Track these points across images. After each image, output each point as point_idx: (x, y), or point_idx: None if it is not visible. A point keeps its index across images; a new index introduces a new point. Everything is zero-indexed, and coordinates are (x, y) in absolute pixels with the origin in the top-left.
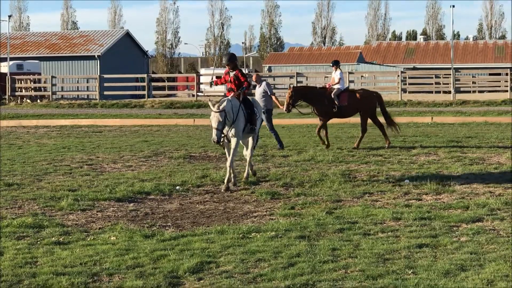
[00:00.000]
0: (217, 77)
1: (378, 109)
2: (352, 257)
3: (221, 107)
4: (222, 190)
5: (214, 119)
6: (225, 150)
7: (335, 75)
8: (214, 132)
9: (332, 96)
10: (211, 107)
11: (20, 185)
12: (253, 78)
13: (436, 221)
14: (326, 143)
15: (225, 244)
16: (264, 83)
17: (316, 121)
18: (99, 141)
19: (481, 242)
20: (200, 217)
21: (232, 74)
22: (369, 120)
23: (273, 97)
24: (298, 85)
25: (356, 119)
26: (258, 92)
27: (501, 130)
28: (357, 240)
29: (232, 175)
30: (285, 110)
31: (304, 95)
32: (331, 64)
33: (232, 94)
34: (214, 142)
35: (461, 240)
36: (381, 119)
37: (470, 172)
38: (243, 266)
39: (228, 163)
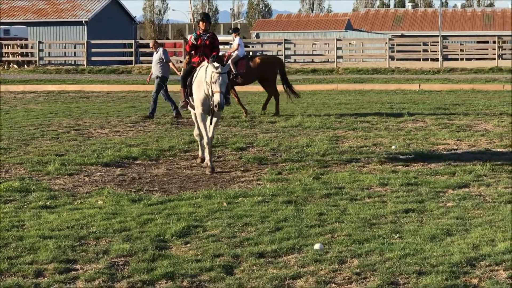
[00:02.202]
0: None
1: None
2: (338, 222)
3: (226, 67)
4: (208, 172)
5: (219, 81)
6: (199, 123)
7: (235, 42)
8: (217, 96)
9: (230, 63)
10: (213, 69)
11: (7, 150)
12: (151, 44)
13: (422, 187)
14: (244, 110)
15: (212, 208)
16: (160, 50)
17: (306, 87)
18: (86, 107)
19: (467, 208)
20: (187, 182)
21: (206, 36)
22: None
23: (170, 64)
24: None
25: (344, 86)
26: (155, 59)
27: (488, 97)
28: (343, 205)
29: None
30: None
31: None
32: (231, 31)
33: (206, 60)
34: (221, 108)
35: (447, 205)
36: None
37: (457, 139)
38: (230, 230)
39: (206, 141)
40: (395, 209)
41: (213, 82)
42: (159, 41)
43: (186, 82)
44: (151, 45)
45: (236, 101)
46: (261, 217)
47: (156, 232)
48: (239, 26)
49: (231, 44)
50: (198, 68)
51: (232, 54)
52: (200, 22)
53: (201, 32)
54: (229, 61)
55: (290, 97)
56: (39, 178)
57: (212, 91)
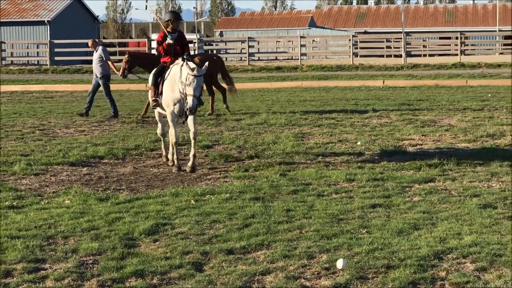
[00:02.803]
0: (158, 43)
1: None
2: (306, 218)
3: (203, 69)
4: (174, 171)
5: (194, 84)
6: (170, 122)
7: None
8: (191, 100)
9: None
10: (189, 70)
11: None
12: (89, 43)
13: (389, 182)
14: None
15: (179, 206)
16: (100, 48)
17: (270, 85)
18: (51, 107)
19: (433, 202)
20: (154, 180)
21: (174, 36)
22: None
23: (109, 63)
24: (209, 51)
25: (308, 83)
26: (95, 58)
27: (451, 93)
28: (311, 201)
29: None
30: (121, 76)
31: (140, 61)
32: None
33: (179, 59)
34: (193, 112)
35: (414, 200)
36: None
37: (422, 134)
38: (198, 228)
39: (174, 141)
40: (362, 204)
41: (187, 84)
42: (121, 40)
43: (158, 80)
44: (89, 44)
45: (147, 102)
46: (229, 214)
47: (125, 230)
48: (202, 25)
49: (194, 42)
50: (171, 66)
51: None
52: (170, 22)
53: (170, 31)
54: (206, 64)
55: (232, 93)
56: (5, 178)
57: (185, 93)
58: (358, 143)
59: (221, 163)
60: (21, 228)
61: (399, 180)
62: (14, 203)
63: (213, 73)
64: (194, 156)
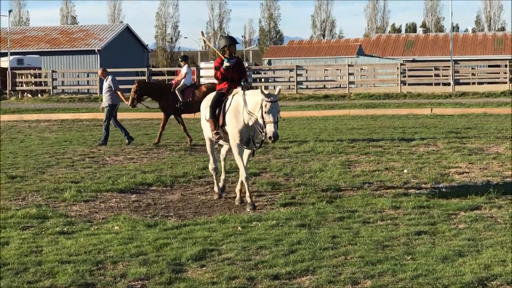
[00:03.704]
0: (216, 69)
1: None
2: (351, 244)
3: (277, 94)
4: (249, 210)
5: (273, 110)
6: (237, 155)
7: (182, 70)
8: (272, 126)
9: (176, 92)
10: (264, 97)
11: (23, 178)
12: (99, 72)
13: (434, 209)
14: (188, 137)
15: (226, 232)
16: (110, 78)
17: (318, 113)
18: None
19: (479, 229)
20: (202, 207)
21: (232, 61)
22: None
23: (118, 92)
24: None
25: (356, 111)
26: (105, 87)
27: (500, 121)
28: (356, 228)
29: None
30: (130, 105)
31: (149, 91)
32: (180, 59)
33: (238, 87)
34: (277, 139)
35: (459, 227)
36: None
37: (469, 162)
38: (244, 254)
39: (244, 175)
40: (408, 231)
41: (265, 112)
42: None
43: (216, 111)
44: (99, 73)
45: (182, 128)
46: (275, 240)
47: (172, 256)
48: (250, 53)
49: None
50: (230, 97)
51: (178, 82)
52: (227, 47)
53: (227, 57)
54: (176, 90)
55: None
56: (56, 205)
57: (263, 122)
58: (405, 171)
59: (268, 190)
60: (71, 253)
61: (444, 207)
62: (65, 229)
63: None
64: (250, 193)
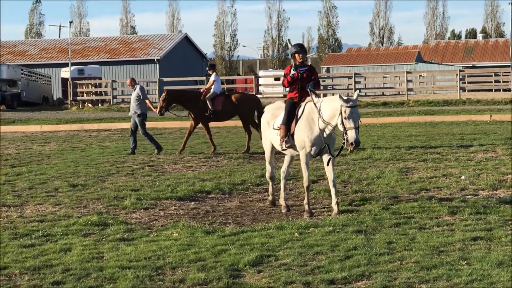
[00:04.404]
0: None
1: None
2: (407, 250)
3: (356, 98)
4: (306, 217)
5: (353, 115)
6: (304, 165)
7: (211, 78)
8: (353, 132)
9: (206, 100)
10: (343, 102)
11: (84, 186)
12: (128, 82)
13: (491, 215)
14: (212, 146)
15: (284, 239)
16: (138, 87)
17: (377, 120)
18: (160, 143)
19: None
20: (260, 214)
21: (303, 69)
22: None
23: (147, 101)
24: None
25: (414, 118)
26: (133, 96)
27: None
28: (412, 234)
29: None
30: (158, 113)
31: (178, 99)
32: (207, 68)
33: (312, 95)
34: (358, 145)
35: None
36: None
37: None
38: (301, 259)
39: (307, 184)
40: (464, 237)
41: (345, 118)
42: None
43: (290, 119)
44: (128, 82)
45: (208, 137)
46: (331, 246)
47: (230, 261)
48: (309, 61)
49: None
50: (302, 104)
51: (208, 90)
52: (296, 55)
53: (297, 64)
54: (206, 98)
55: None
56: (116, 212)
57: (344, 128)
58: (462, 177)
59: (326, 197)
60: (131, 259)
61: (501, 213)
62: (125, 235)
63: (249, 112)
64: (337, 203)
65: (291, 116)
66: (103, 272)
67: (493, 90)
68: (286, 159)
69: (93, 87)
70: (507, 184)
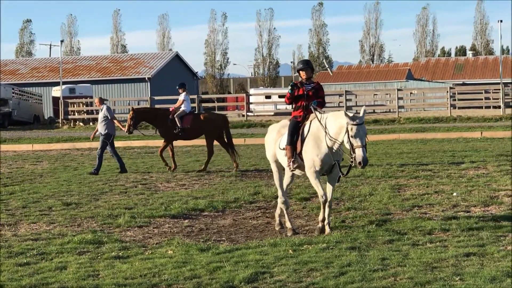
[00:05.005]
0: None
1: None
2: (401, 266)
3: (362, 116)
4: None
5: (360, 134)
6: (315, 181)
7: (180, 97)
8: (361, 151)
9: (175, 118)
10: (349, 120)
11: (78, 204)
12: (96, 101)
13: (483, 231)
14: (171, 165)
15: (278, 255)
16: (105, 107)
17: (367, 138)
18: (152, 161)
19: None
20: (253, 231)
21: (310, 86)
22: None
23: (115, 121)
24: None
25: (405, 135)
26: (100, 116)
27: None
28: (406, 250)
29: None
30: (127, 132)
31: (146, 117)
32: (177, 87)
33: (313, 113)
34: (366, 164)
35: (508, 248)
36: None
37: None
38: (296, 276)
39: (323, 200)
40: (456, 253)
41: (352, 136)
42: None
43: (294, 138)
44: (95, 102)
45: (170, 154)
46: (325, 263)
47: (225, 278)
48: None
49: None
50: (307, 122)
51: (177, 109)
52: (301, 72)
53: (303, 81)
54: (175, 116)
55: (234, 155)
56: (110, 230)
57: (351, 146)
58: (454, 194)
59: (319, 214)
60: (127, 277)
61: (494, 230)
62: (120, 253)
63: (216, 130)
64: (328, 223)
65: (295, 135)
66: None
67: (484, 107)
68: (287, 176)
69: (84, 106)
70: (498, 201)
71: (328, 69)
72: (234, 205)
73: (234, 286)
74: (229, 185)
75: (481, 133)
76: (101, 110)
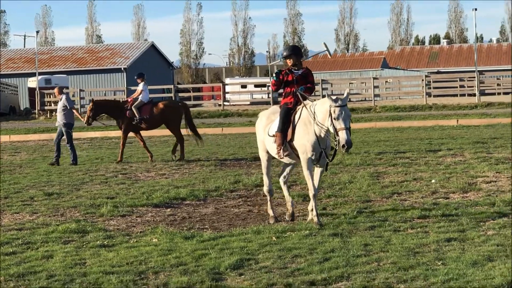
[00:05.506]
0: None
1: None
2: (383, 251)
3: (346, 97)
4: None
5: (343, 115)
6: (306, 171)
7: (139, 87)
8: (344, 133)
9: (133, 109)
10: (332, 102)
11: (59, 194)
12: (55, 91)
13: (463, 217)
14: (149, 155)
15: (262, 242)
16: (64, 97)
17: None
18: (131, 151)
19: (507, 235)
20: (236, 219)
21: (299, 72)
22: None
23: (74, 111)
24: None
25: (382, 124)
26: (59, 106)
27: None
28: (388, 236)
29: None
30: (86, 123)
31: (105, 108)
32: (135, 77)
33: (303, 100)
34: (350, 147)
35: (488, 233)
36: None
37: (496, 171)
38: (281, 262)
39: (313, 193)
40: (438, 238)
41: (335, 118)
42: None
43: (285, 125)
44: (55, 92)
45: (142, 145)
46: (309, 249)
47: (211, 265)
48: (275, 68)
49: (269, 86)
50: (299, 109)
51: (136, 99)
52: (287, 59)
53: (291, 68)
54: (133, 107)
55: (197, 141)
56: (94, 219)
57: (334, 129)
58: (433, 181)
59: (300, 202)
60: (114, 265)
61: (473, 215)
62: (105, 242)
63: (177, 119)
64: (314, 212)
65: (286, 122)
66: (87, 277)
67: (459, 95)
68: (285, 164)
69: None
70: (477, 187)
71: (327, 51)
72: (215, 193)
73: (220, 273)
74: (209, 174)
75: (457, 120)
76: (61, 99)
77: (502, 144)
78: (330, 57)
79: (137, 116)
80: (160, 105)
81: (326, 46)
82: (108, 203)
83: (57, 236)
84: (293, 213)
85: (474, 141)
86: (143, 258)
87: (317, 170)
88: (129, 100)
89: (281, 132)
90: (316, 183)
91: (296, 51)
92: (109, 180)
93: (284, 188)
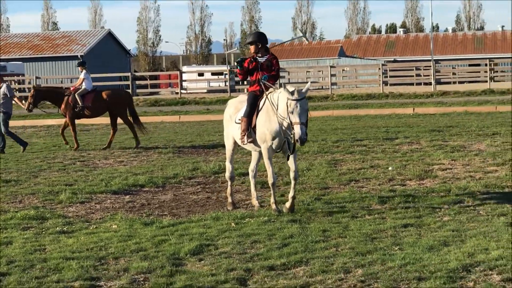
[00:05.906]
0: (239, 64)
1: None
2: (342, 237)
3: (304, 91)
4: (274, 213)
5: (298, 109)
6: (266, 159)
7: (81, 75)
8: (298, 128)
9: (76, 97)
10: (288, 95)
11: (17, 181)
12: None
13: (419, 203)
14: (73, 144)
15: (221, 228)
16: (4, 85)
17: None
18: (88, 139)
19: (462, 221)
20: (195, 206)
21: (264, 59)
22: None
23: (16, 99)
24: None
25: (339, 112)
26: None
27: (481, 119)
28: (345, 222)
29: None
30: (26, 110)
31: (47, 96)
32: (77, 65)
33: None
34: (303, 142)
35: (444, 219)
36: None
37: (451, 159)
38: (240, 247)
39: (272, 181)
40: (394, 224)
41: (290, 112)
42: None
43: (252, 111)
44: None
45: (73, 134)
46: (268, 235)
47: (171, 251)
48: (232, 56)
49: (225, 74)
50: (264, 96)
51: (79, 87)
52: (250, 46)
53: (255, 56)
54: (76, 94)
55: (141, 130)
56: (53, 206)
57: (290, 122)
58: (390, 168)
59: (258, 189)
60: (74, 251)
61: (429, 202)
62: (65, 228)
63: (119, 107)
64: (294, 197)
65: (253, 108)
66: (47, 263)
67: (415, 84)
68: (254, 156)
69: (16, 84)
70: (433, 174)
71: (303, 37)
72: (174, 180)
73: (180, 258)
74: (167, 161)
75: (413, 109)
76: (1, 88)
77: (457, 132)
78: (307, 42)
79: (80, 103)
80: (103, 93)
81: (302, 32)
82: (66, 190)
83: (16, 222)
84: (260, 205)
85: (430, 129)
86: (103, 244)
87: (291, 157)
88: (71, 88)
89: (247, 118)
90: (293, 167)
91: (257, 38)
92: (67, 168)
93: (252, 182)
